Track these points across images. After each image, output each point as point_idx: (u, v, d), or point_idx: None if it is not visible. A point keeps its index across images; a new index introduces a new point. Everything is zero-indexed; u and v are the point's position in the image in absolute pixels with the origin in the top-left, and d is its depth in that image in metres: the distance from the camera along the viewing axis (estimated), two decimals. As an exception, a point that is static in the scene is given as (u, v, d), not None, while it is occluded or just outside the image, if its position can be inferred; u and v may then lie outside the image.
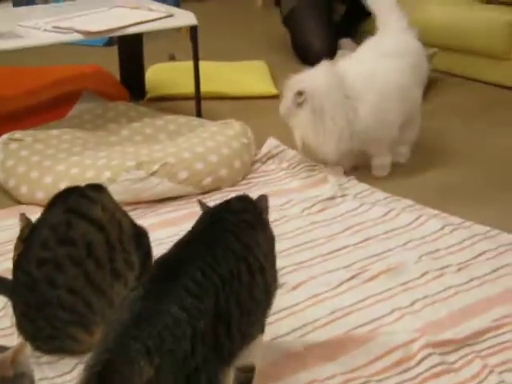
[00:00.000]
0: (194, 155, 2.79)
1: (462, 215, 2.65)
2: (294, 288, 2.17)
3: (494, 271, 2.32)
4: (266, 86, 3.93)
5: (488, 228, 2.57)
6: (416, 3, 4.27)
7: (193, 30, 3.27)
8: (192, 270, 1.47)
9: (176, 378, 1.37)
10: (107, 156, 2.80)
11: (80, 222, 1.90)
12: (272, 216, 2.61)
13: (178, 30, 3.35)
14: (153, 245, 2.09)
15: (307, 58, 4.31)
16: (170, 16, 3.32)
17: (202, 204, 1.76)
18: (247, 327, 1.57)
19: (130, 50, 3.83)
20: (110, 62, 3.86)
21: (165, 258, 1.55)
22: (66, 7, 3.60)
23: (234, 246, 1.60)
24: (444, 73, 4.20)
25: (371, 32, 4.39)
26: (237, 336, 1.53)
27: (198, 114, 3.38)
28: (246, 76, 4.03)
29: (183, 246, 1.58)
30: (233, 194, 2.75)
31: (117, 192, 2.50)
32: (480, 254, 2.41)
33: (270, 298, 1.67)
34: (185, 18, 3.37)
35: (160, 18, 3.28)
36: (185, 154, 2.78)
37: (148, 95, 3.84)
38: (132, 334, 1.34)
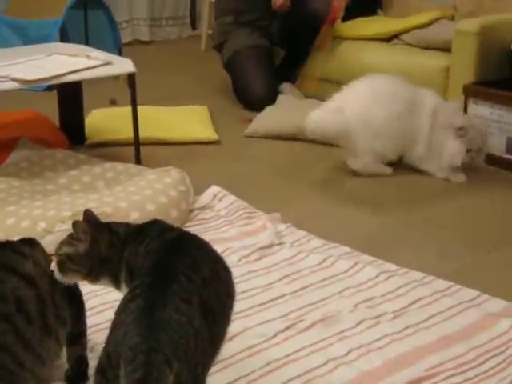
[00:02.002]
0: (131, 204, 2.77)
1: (399, 262, 2.68)
2: (230, 339, 2.14)
3: (429, 318, 2.33)
4: (206, 132, 3.94)
5: (423, 274, 2.59)
6: (354, 48, 4.36)
7: (131, 77, 3.28)
8: (178, 276, 1.64)
9: (188, 375, 1.55)
10: (43, 206, 2.77)
11: (10, 278, 1.87)
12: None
13: (116, 77, 3.35)
14: (87, 297, 2.07)
15: (248, 102, 4.37)
16: (108, 64, 3.32)
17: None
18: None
19: (70, 95, 3.81)
20: (50, 108, 3.84)
21: (153, 267, 1.69)
22: (5, 53, 3.58)
23: (207, 247, 1.81)
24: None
25: (311, 76, 4.49)
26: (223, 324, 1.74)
27: (137, 161, 3.38)
28: (187, 121, 4.04)
29: (164, 255, 1.73)
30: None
31: (52, 243, 2.45)
32: (415, 301, 2.42)
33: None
34: (123, 65, 3.38)
35: (98, 66, 3.28)
36: (121, 203, 2.77)
37: (88, 141, 3.83)
38: (152, 346, 1.50)
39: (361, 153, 3.45)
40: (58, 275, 1.87)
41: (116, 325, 1.62)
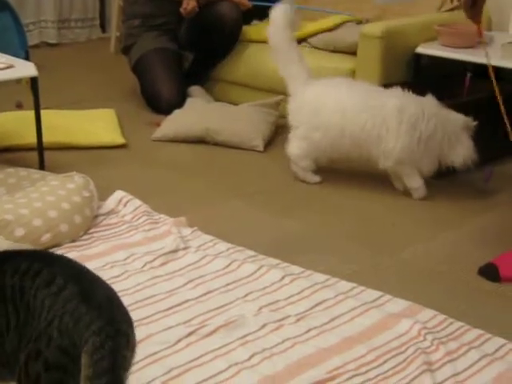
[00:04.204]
0: (32, 211, 2.72)
1: (303, 264, 2.69)
2: (132, 347, 2.14)
3: (332, 320, 2.36)
4: (112, 136, 3.90)
5: (327, 276, 2.62)
6: (261, 51, 4.37)
7: (33, 81, 3.22)
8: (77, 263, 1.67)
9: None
10: None
11: None
12: (114, 271, 2.59)
13: (19, 81, 3.29)
14: None
15: (156, 106, 4.34)
16: (10, 67, 3.26)
17: None
18: None
19: (-28, 100, 3.73)
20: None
21: (49, 264, 1.61)
22: None
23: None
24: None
25: (220, 79, 4.49)
26: None
27: (41, 166, 3.32)
28: (93, 125, 3.98)
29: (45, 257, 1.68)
30: (74, 250, 2.73)
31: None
32: (319, 303, 2.44)
33: None
34: (25, 69, 3.31)
35: (-1, 69, 3.22)
36: (22, 211, 2.70)
37: (-9, 146, 3.74)
38: (116, 329, 1.50)
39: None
40: None
41: (53, 319, 1.52)
